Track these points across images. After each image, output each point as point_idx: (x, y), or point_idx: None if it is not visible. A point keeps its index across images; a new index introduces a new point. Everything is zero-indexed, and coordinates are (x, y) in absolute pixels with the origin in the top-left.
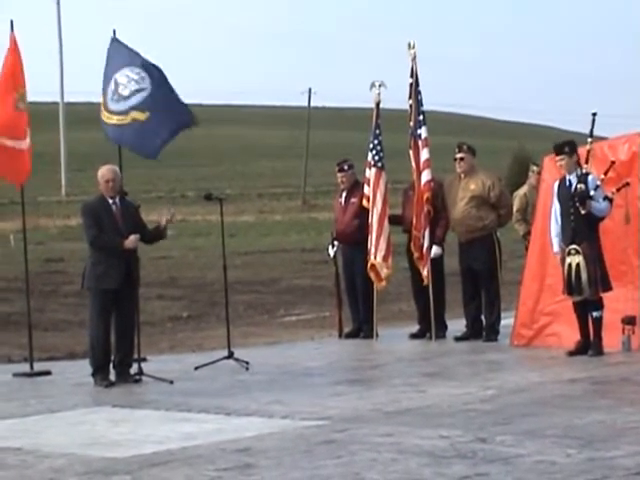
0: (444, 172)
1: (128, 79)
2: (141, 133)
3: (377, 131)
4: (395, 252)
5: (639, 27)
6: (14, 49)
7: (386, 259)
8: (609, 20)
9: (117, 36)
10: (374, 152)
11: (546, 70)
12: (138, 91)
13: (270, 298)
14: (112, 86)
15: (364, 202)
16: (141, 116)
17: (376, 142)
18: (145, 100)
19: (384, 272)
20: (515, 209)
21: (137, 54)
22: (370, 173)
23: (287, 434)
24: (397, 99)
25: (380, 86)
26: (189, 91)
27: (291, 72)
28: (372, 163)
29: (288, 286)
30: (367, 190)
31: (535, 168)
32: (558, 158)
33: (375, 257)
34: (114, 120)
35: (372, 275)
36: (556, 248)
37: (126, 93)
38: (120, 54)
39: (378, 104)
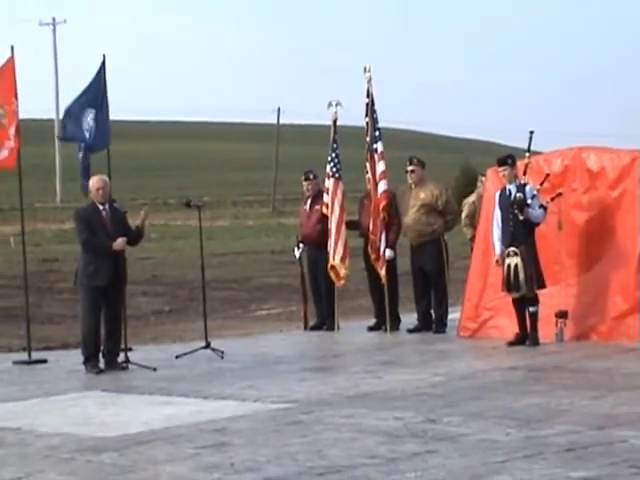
0: (398, 182)
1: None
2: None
3: (335, 145)
4: (353, 254)
5: (574, 56)
6: (11, 71)
7: (343, 260)
8: (546, 47)
9: (106, 61)
10: (332, 164)
11: (489, 91)
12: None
13: (243, 294)
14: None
15: (323, 209)
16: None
17: (334, 155)
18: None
19: (342, 272)
20: (464, 215)
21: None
22: (329, 183)
23: (258, 416)
24: (356, 116)
25: (337, 105)
26: (172, 109)
27: (263, 93)
28: (330, 174)
29: (259, 284)
30: (326, 198)
31: (483, 179)
32: (501, 169)
33: (334, 259)
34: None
35: (332, 275)
36: (498, 251)
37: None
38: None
39: (335, 121)
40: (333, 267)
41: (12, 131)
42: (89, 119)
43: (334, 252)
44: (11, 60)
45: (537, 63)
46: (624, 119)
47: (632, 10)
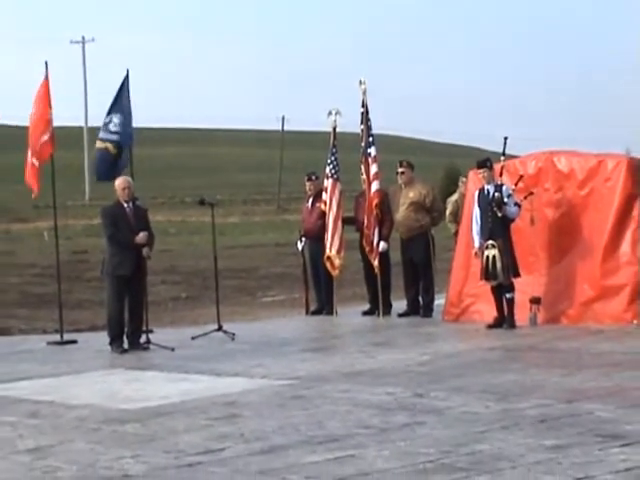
0: (390, 183)
1: (115, 121)
2: (105, 162)
3: (334, 149)
4: (349, 247)
5: (547, 68)
6: (46, 89)
7: (339, 252)
8: (521, 61)
9: (129, 75)
10: (331, 166)
11: (471, 101)
12: (116, 133)
13: (251, 283)
14: (107, 121)
15: (322, 206)
16: (113, 150)
17: (333, 158)
18: (118, 141)
19: (337, 262)
20: (448, 212)
21: (124, 101)
22: (327, 183)
23: (265, 391)
24: (353, 124)
25: (336, 113)
26: (187, 117)
27: (269, 103)
28: (329, 175)
29: (265, 273)
30: (325, 197)
31: (464, 179)
32: (480, 171)
33: (330, 250)
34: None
35: (328, 265)
36: (476, 244)
37: (111, 129)
38: (120, 98)
39: (334, 128)
40: (329, 258)
41: (45, 137)
42: (115, 121)
43: (331, 244)
44: (46, 75)
45: (515, 75)
46: (591, 126)
47: (606, 23)
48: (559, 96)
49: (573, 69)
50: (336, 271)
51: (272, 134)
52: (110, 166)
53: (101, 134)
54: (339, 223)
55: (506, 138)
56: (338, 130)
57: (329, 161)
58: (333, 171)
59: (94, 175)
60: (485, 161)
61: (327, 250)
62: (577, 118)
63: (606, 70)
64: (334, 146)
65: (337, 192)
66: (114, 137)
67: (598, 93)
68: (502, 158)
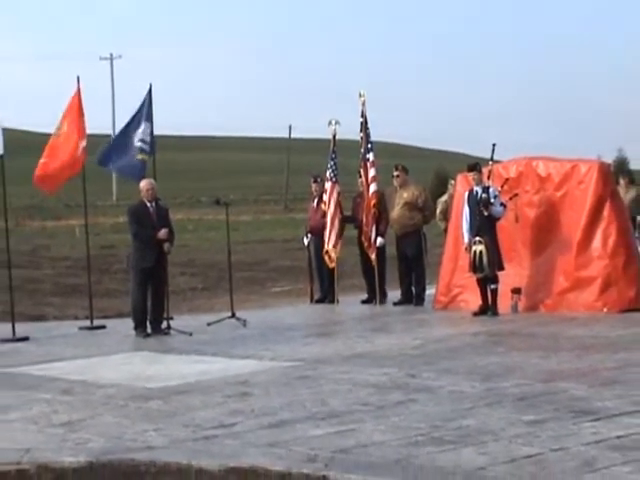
0: (386, 184)
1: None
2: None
3: (333, 155)
4: (349, 243)
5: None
6: (78, 101)
7: (335, 246)
8: (503, 68)
9: (152, 89)
10: (330, 170)
11: (458, 109)
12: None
13: (261, 275)
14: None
15: (322, 206)
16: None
17: (332, 163)
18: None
19: (333, 255)
20: (439, 211)
21: (145, 114)
22: (327, 185)
23: (273, 371)
24: (354, 132)
25: (336, 123)
26: (204, 125)
27: (278, 113)
28: (329, 178)
29: (274, 266)
30: (325, 197)
31: (453, 182)
32: (471, 174)
33: (328, 245)
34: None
35: (326, 258)
36: (466, 240)
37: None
38: (141, 111)
39: (334, 136)
40: (327, 252)
41: (83, 144)
42: (143, 130)
43: (328, 240)
44: (78, 88)
45: (501, 82)
46: (572, 133)
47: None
48: (540, 106)
49: (555, 80)
50: (333, 263)
51: (280, 141)
52: (138, 169)
53: (141, 145)
54: (336, 221)
55: (494, 145)
56: (340, 137)
57: (329, 165)
58: (332, 174)
59: (135, 178)
60: (475, 165)
61: (325, 245)
62: (555, 126)
63: (583, 83)
64: (334, 152)
65: (335, 193)
66: (146, 147)
67: (575, 103)
68: (490, 163)
